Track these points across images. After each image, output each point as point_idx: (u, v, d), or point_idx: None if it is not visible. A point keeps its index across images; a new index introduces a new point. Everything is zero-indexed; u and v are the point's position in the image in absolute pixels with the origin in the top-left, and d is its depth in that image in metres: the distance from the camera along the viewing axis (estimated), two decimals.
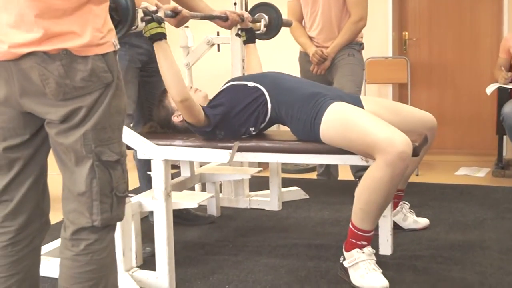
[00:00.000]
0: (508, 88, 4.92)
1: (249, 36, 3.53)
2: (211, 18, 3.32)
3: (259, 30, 3.64)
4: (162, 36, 2.64)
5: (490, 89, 4.96)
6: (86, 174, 1.67)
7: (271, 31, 3.73)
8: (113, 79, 1.67)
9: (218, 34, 3.96)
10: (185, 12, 2.91)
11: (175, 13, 2.85)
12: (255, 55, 3.50)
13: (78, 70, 1.60)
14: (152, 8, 2.59)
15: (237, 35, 3.54)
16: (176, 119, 3.05)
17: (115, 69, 1.69)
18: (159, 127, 3.14)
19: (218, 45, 3.94)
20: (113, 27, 1.73)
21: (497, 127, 4.99)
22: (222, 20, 3.34)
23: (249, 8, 3.74)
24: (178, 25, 3.03)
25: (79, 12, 1.59)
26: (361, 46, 4.26)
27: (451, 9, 5.80)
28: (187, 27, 3.62)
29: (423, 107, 3.21)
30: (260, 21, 3.65)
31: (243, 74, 3.64)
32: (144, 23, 2.54)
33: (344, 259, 2.64)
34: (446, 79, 5.88)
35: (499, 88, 4.93)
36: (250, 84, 2.91)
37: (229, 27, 3.46)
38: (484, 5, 5.70)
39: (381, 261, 2.70)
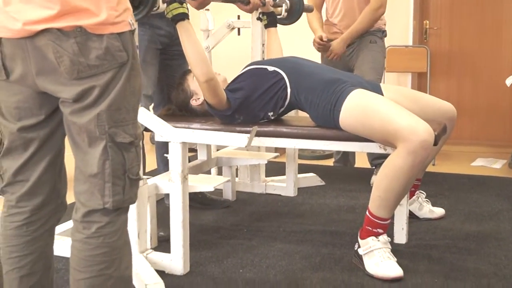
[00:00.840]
0: None
1: (270, 20, 3.52)
2: (232, 1, 3.31)
3: (280, 14, 3.63)
4: (184, 17, 2.65)
5: (510, 80, 4.91)
6: (99, 155, 1.66)
7: (293, 16, 3.71)
8: (128, 58, 1.65)
9: (238, 18, 3.95)
10: None
11: None
12: (276, 40, 3.50)
13: (93, 48, 1.58)
14: None
15: (258, 19, 3.53)
16: (194, 102, 3.06)
17: (131, 49, 1.67)
18: (177, 110, 3.15)
19: (239, 28, 3.93)
20: (130, 7, 1.70)
21: None
22: (244, 3, 3.33)
23: None
24: (199, 7, 3.02)
25: None
26: (383, 33, 4.21)
27: None
28: (207, 10, 3.61)
29: (442, 96, 3.19)
30: (281, 6, 3.64)
31: (263, 58, 3.63)
32: (165, 4, 2.55)
33: (359, 247, 2.64)
34: (466, 69, 5.84)
35: None
36: (270, 68, 2.91)
37: (250, 11, 3.45)
38: None
39: (396, 250, 2.69)
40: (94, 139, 1.65)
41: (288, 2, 3.65)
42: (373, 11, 4.01)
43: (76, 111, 1.63)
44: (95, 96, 1.61)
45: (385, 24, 4.22)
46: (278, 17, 3.60)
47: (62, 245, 2.67)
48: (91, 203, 1.70)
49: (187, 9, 2.68)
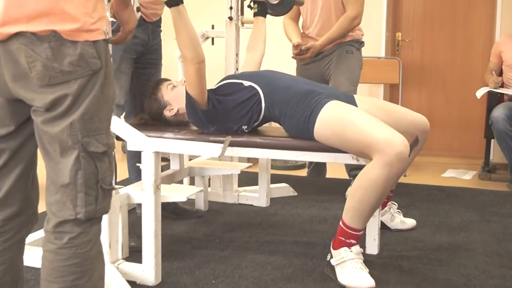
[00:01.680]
0: (498, 92, 4.96)
1: (261, 9, 3.49)
2: None
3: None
4: (179, 1, 2.66)
5: (480, 92, 4.98)
6: (71, 165, 1.63)
7: (284, 6, 3.67)
8: (101, 66, 1.63)
9: (213, 28, 3.95)
10: None
11: None
12: (262, 29, 3.48)
13: (67, 54, 1.56)
14: None
15: (249, 7, 3.51)
16: (168, 113, 3.04)
17: (105, 57, 1.65)
18: (150, 119, 3.13)
19: (213, 38, 3.93)
20: (106, 16, 1.69)
21: (485, 130, 5.04)
22: None
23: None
24: None
25: None
26: (361, 44, 4.21)
27: (445, 12, 5.82)
28: None
29: (414, 108, 3.22)
30: None
31: (237, 68, 3.63)
32: (139, 13, 2.54)
33: (331, 257, 2.65)
34: (437, 81, 5.90)
35: (489, 92, 4.96)
36: (246, 83, 2.91)
37: None
38: (477, 9, 5.73)
39: (367, 260, 2.70)
40: (66, 148, 1.63)
41: None
42: (349, 20, 3.99)
43: (48, 120, 1.61)
44: (67, 104, 1.59)
45: (363, 35, 4.23)
46: (270, 2, 3.58)
47: (32, 255, 2.63)
48: (62, 214, 1.67)
49: None
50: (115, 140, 2.46)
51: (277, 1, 3.59)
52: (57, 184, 1.67)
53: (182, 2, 2.68)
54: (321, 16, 4.09)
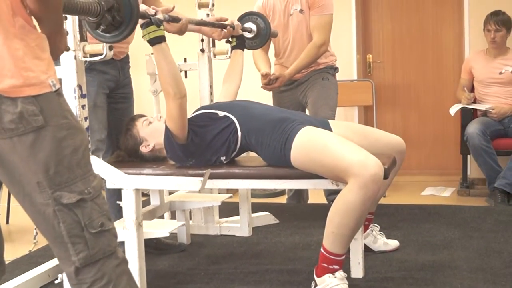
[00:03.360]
0: (471, 108, 5.02)
1: (239, 43, 3.53)
2: (208, 25, 3.33)
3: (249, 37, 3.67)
4: (161, 39, 2.69)
5: (454, 109, 5.05)
6: (51, 220, 1.61)
7: (260, 40, 3.72)
8: (43, 123, 1.56)
9: (185, 61, 3.97)
10: (185, 20, 2.90)
11: (172, 18, 2.81)
12: (239, 62, 3.50)
13: (7, 112, 1.52)
14: (151, 11, 2.61)
15: (227, 41, 3.54)
16: (144, 149, 3.02)
17: (53, 110, 1.59)
18: (127, 156, 3.11)
19: (186, 71, 3.95)
20: (52, 67, 1.63)
21: (461, 147, 5.09)
22: (219, 28, 3.33)
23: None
24: (179, 32, 2.98)
25: (7, 49, 1.52)
26: (335, 70, 4.28)
27: (414, 32, 5.91)
28: (152, 53, 3.62)
29: (388, 128, 3.26)
30: (250, 31, 3.66)
31: (212, 100, 3.64)
32: (112, 51, 2.55)
33: (316, 285, 2.64)
34: (410, 100, 5.97)
35: (462, 109, 5.03)
36: (221, 113, 2.92)
37: (221, 38, 3.45)
38: (446, 27, 5.83)
39: (353, 285, 2.70)
40: (40, 206, 1.60)
41: (255, 27, 3.66)
42: (316, 48, 4.06)
43: (9, 178, 1.59)
44: (22, 158, 1.56)
45: (336, 60, 4.28)
46: (247, 37, 3.62)
47: None
48: (65, 267, 1.67)
49: (164, 31, 2.72)
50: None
51: (252, 35, 3.64)
52: (48, 239, 1.66)
53: (165, 40, 2.71)
54: (295, 45, 4.14)
